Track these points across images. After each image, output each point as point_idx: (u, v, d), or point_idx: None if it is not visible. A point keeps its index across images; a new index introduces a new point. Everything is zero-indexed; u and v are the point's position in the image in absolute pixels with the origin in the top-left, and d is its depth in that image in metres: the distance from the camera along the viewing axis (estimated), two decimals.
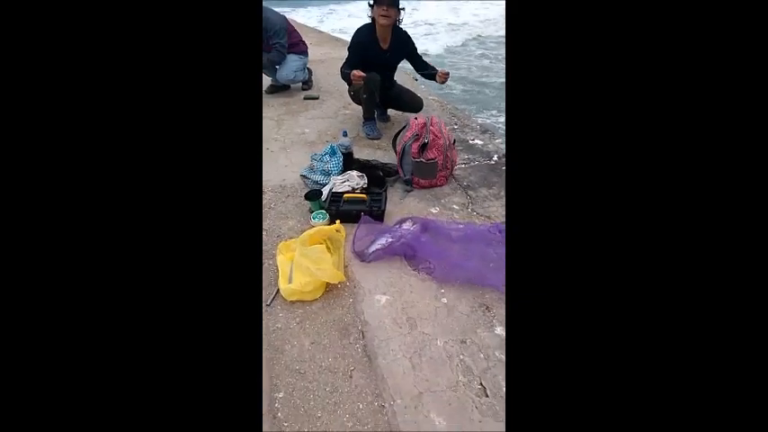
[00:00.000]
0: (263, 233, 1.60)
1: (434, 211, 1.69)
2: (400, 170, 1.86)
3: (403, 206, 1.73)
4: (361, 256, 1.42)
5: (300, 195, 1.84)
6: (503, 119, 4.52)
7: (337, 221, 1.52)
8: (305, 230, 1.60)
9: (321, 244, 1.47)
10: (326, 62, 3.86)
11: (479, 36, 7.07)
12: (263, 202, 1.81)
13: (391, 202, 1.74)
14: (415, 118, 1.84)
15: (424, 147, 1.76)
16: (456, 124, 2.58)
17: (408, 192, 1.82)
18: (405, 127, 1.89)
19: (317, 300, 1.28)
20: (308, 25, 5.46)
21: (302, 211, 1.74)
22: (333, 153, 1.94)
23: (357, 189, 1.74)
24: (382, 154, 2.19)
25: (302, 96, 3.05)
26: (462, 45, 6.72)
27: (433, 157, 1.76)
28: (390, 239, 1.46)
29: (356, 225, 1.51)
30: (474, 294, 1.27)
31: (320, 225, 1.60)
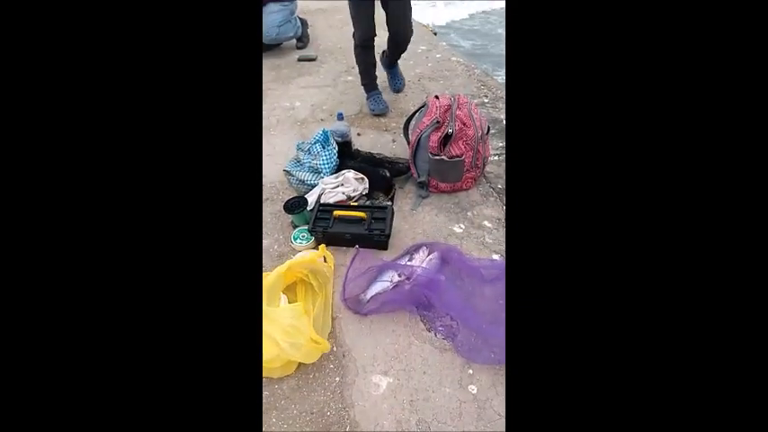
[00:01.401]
0: None
1: (458, 231, 1.25)
2: (413, 168, 1.39)
3: (415, 221, 1.29)
4: (355, 306, 1.02)
5: (282, 199, 1.41)
6: None
7: (323, 247, 1.11)
8: (283, 254, 1.21)
9: (303, 280, 1.07)
10: (328, 12, 3.21)
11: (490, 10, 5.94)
12: None
13: (400, 213, 1.30)
14: (436, 97, 1.34)
15: (447, 139, 1.28)
16: (486, 96, 2.03)
17: (423, 198, 1.37)
18: (422, 108, 1.39)
19: (289, 375, 0.90)
20: None
21: (282, 224, 1.32)
22: (325, 142, 1.47)
23: (354, 197, 1.30)
24: (391, 139, 1.71)
25: (296, 57, 2.50)
26: (470, 17, 5.66)
27: (458, 153, 1.28)
28: (397, 279, 1.05)
29: (349, 258, 1.09)
30: None
31: (303, 249, 1.20)
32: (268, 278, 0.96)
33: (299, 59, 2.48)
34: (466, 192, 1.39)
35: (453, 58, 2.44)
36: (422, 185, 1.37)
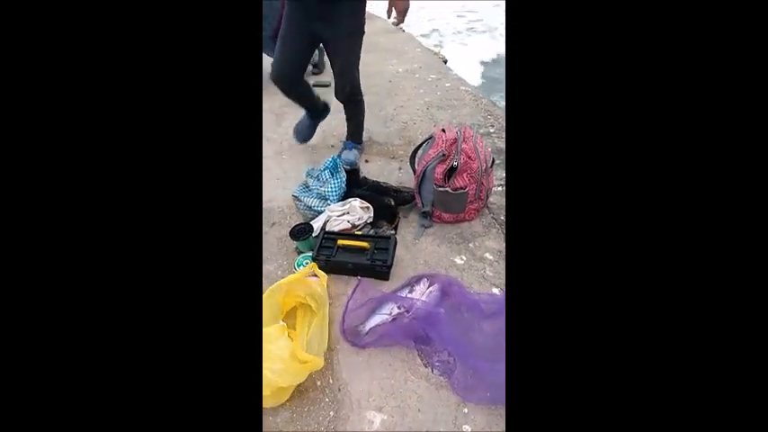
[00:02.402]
0: None
1: (460, 262, 1.25)
2: (418, 198, 1.42)
3: (417, 251, 1.31)
4: (354, 338, 1.03)
5: (289, 223, 1.45)
6: None
7: (313, 265, 1.13)
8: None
9: (302, 304, 1.09)
10: None
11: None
12: None
13: (402, 242, 1.32)
14: (443, 130, 1.38)
15: (451, 171, 1.30)
16: (492, 126, 2.07)
17: (426, 227, 1.39)
18: (428, 140, 1.43)
19: (282, 405, 0.91)
20: None
21: (287, 249, 1.35)
22: (334, 169, 1.51)
23: (359, 226, 1.32)
24: (398, 167, 1.75)
25: (311, 83, 2.59)
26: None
27: (462, 185, 1.31)
28: (396, 312, 1.05)
29: (350, 288, 1.10)
30: None
31: (301, 271, 1.22)
32: (264, 305, 0.98)
33: (314, 85, 2.56)
34: (469, 222, 1.40)
35: (462, 88, 2.50)
36: (425, 215, 1.39)
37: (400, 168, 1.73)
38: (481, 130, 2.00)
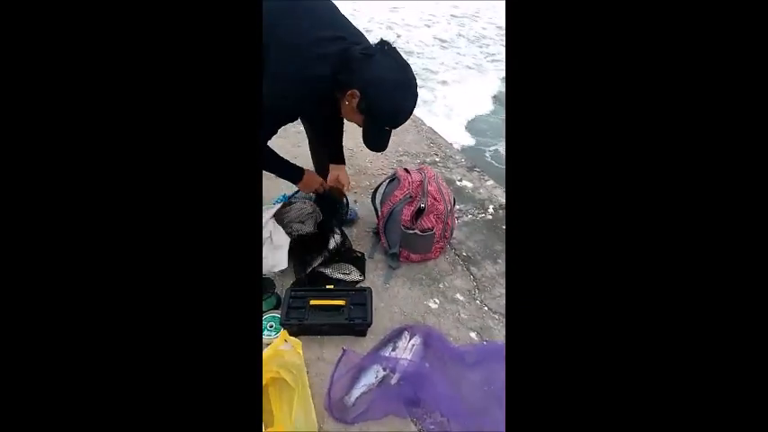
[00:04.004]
0: None
1: (434, 307, 1.24)
2: (384, 238, 1.37)
3: (390, 297, 1.25)
4: (341, 415, 0.92)
5: None
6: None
7: (284, 333, 0.98)
8: None
9: (274, 379, 0.94)
10: None
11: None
12: None
13: (373, 288, 1.25)
14: (406, 170, 1.35)
15: (419, 213, 1.28)
16: (437, 155, 2.13)
17: (394, 269, 1.34)
18: (392, 180, 1.39)
19: None
20: None
21: None
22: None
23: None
24: (354, 200, 1.66)
25: None
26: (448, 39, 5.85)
27: (429, 226, 1.30)
28: (382, 374, 0.98)
29: (326, 350, 1.00)
30: None
31: (273, 343, 1.06)
32: None
33: None
34: (434, 261, 1.40)
35: None
36: (393, 257, 1.35)
37: (356, 201, 1.66)
38: (428, 159, 2.05)
